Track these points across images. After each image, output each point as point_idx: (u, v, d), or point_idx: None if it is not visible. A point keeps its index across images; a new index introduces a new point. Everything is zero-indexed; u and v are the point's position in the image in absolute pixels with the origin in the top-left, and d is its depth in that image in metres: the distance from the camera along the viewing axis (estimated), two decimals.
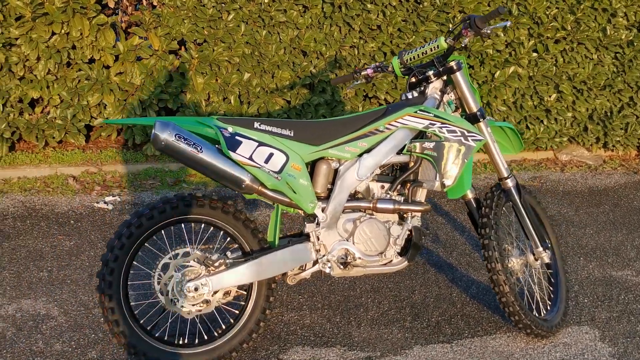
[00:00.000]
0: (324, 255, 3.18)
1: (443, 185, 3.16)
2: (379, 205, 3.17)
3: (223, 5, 5.64)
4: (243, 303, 3.19)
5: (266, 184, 3.00)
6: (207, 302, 3.05)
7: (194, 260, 3.04)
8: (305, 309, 3.69)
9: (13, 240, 4.32)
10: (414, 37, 6.08)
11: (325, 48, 5.91)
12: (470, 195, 3.47)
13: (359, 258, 3.17)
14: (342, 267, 3.18)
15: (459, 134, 3.16)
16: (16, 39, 5.27)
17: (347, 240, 3.18)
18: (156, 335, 3.07)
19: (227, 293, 3.12)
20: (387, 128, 3.17)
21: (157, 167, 5.71)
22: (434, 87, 3.30)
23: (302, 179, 3.06)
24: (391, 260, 3.26)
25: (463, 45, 3.23)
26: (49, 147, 5.69)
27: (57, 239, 4.39)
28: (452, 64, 3.26)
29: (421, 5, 6.05)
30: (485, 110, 3.60)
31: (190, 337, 3.20)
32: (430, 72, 3.29)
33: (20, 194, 5.08)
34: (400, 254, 3.28)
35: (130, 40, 5.50)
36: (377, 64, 3.50)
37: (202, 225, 3.27)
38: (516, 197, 3.46)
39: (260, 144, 3.01)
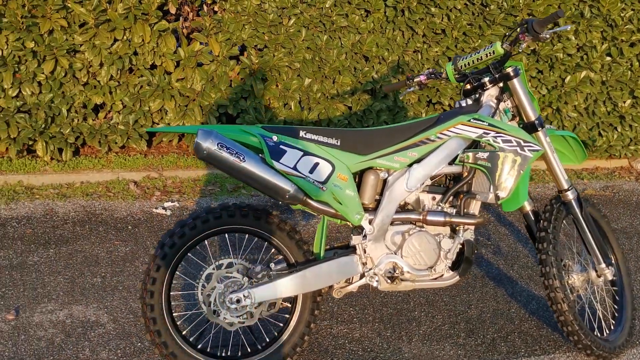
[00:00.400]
0: (370, 269, 3.07)
1: (497, 197, 3.02)
2: (429, 218, 3.05)
3: (284, 10, 5.60)
4: (288, 316, 3.11)
5: (310, 194, 2.92)
6: (250, 314, 2.99)
7: (237, 272, 2.99)
8: (355, 322, 3.59)
9: (71, 244, 4.37)
10: (479, 41, 5.91)
11: (387, 53, 5.81)
12: (528, 207, 3.31)
13: (408, 272, 3.06)
14: (389, 281, 3.07)
15: (515, 144, 3.01)
16: (80, 45, 5.35)
17: (395, 254, 3.07)
18: (199, 346, 3.02)
19: (272, 305, 3.06)
20: (438, 137, 3.04)
21: (217, 172, 5.71)
22: (490, 94, 3.16)
23: (349, 189, 2.96)
24: (442, 275, 3.13)
25: (520, 50, 3.09)
26: (112, 152, 5.77)
27: (113, 244, 4.42)
28: (509, 70, 3.12)
29: (487, 9, 5.87)
30: (546, 118, 3.43)
31: (233, 350, 3.15)
32: (486, 79, 3.14)
33: (82, 198, 5.14)
34: (452, 268, 3.15)
35: (191, 46, 5.51)
36: (430, 70, 3.38)
37: (247, 235, 3.21)
38: (577, 211, 3.28)
39: (306, 153, 2.93)
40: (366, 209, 3.05)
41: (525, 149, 3.01)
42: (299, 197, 2.91)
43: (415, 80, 3.40)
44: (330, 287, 3.10)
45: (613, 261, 3.47)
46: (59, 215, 4.80)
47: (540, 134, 3.18)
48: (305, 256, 3.04)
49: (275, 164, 2.88)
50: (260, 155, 2.90)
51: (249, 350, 3.09)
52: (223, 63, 5.57)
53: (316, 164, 2.93)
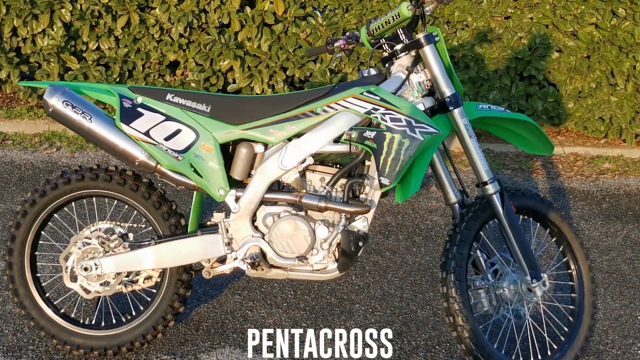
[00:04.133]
0: (233, 251, 2.76)
1: (381, 184, 2.58)
2: (304, 200, 2.67)
3: None
4: (155, 291, 2.89)
5: (162, 163, 2.67)
6: (107, 283, 2.81)
7: (95, 239, 2.80)
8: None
9: None
10: (582, 7, 5.13)
11: (471, 18, 5.23)
12: (453, 199, 2.79)
13: (271, 259, 2.73)
14: (250, 267, 2.74)
15: (404, 123, 2.54)
16: (151, 1, 5.38)
17: (263, 237, 2.74)
18: (61, 310, 2.89)
19: (148, 278, 2.87)
20: (324, 110, 2.64)
21: None
22: (400, 64, 2.69)
23: (212, 161, 2.67)
24: (326, 267, 2.75)
25: (428, 13, 2.61)
26: None
27: None
28: (420, 36, 2.62)
29: None
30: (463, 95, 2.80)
31: (98, 318, 3.00)
32: (398, 46, 2.68)
33: None
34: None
35: (259, 6, 5.33)
36: (349, 33, 2.92)
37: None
38: (498, 208, 2.70)
39: (168, 118, 2.67)
40: (238, 185, 2.74)
41: (417, 130, 2.53)
42: (150, 165, 2.68)
43: (335, 44, 2.97)
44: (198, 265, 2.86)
45: (574, 272, 2.90)
46: None
47: (456, 113, 2.66)
48: (170, 229, 2.81)
49: (124, 127, 2.65)
50: (114, 117, 2.70)
51: (113, 321, 2.94)
52: (292, 24, 5.34)
53: (177, 131, 2.67)
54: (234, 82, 5.53)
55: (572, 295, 2.92)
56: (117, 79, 5.49)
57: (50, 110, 2.65)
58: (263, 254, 2.74)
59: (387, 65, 2.76)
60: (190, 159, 2.67)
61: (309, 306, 3.30)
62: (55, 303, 2.91)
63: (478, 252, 2.81)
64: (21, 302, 2.81)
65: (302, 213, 2.72)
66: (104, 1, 5.36)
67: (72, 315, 2.98)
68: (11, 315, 3.11)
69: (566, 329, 2.90)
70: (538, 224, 2.93)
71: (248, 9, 5.34)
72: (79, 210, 3.40)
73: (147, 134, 2.65)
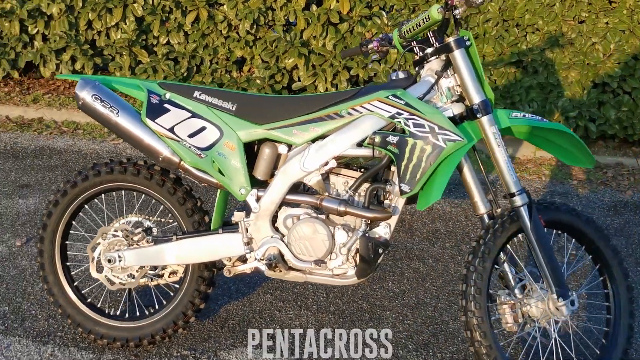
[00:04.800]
0: (253, 251, 2.75)
1: (401, 191, 2.52)
2: (324, 204, 2.62)
3: None
4: (178, 286, 2.92)
5: (184, 160, 2.69)
6: (132, 276, 2.86)
7: (121, 231, 2.85)
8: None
9: None
10: None
11: (542, 22, 5.04)
12: (482, 209, 2.67)
13: (289, 261, 2.69)
14: (267, 268, 2.72)
15: (427, 129, 2.47)
16: None
17: (283, 239, 2.70)
18: (88, 300, 2.95)
19: (173, 273, 2.89)
20: (349, 113, 2.60)
21: None
22: (430, 68, 2.62)
23: (235, 160, 2.66)
24: (346, 272, 2.70)
25: (457, 16, 2.51)
26: None
27: None
28: (450, 40, 2.53)
29: None
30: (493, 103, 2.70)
31: (124, 309, 3.05)
32: (429, 50, 2.61)
33: None
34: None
35: (325, 4, 5.31)
36: (383, 35, 2.85)
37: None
38: (525, 220, 2.56)
39: (194, 115, 2.68)
40: (260, 185, 2.72)
41: (440, 137, 2.46)
42: (173, 161, 2.71)
43: (369, 46, 2.89)
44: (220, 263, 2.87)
45: (610, 292, 2.73)
46: None
47: (483, 121, 2.55)
48: (193, 226, 2.82)
49: (149, 122, 2.68)
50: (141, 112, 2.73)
51: (137, 313, 2.99)
52: (357, 23, 5.29)
53: (202, 128, 2.68)
54: (299, 80, 5.53)
55: (608, 316, 2.77)
56: (185, 74, 5.59)
57: (80, 103, 2.71)
58: (281, 256, 2.71)
59: (417, 68, 2.69)
60: (213, 156, 2.67)
61: (339, 310, 3.25)
62: (83, 292, 2.97)
63: (506, 266, 2.69)
64: (50, 289, 2.89)
65: (323, 216, 2.68)
66: None
67: (99, 305, 3.03)
68: (47, 301, 3.19)
69: (598, 352, 2.75)
70: (574, 240, 2.79)
71: (314, 7, 5.33)
72: (112, 203, 3.47)
73: (171, 130, 2.67)
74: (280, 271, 2.73)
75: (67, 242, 2.92)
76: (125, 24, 5.57)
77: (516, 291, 2.66)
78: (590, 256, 2.79)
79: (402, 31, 2.67)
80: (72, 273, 2.95)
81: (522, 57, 5.09)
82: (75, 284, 2.94)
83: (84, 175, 2.82)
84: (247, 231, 2.72)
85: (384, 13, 5.22)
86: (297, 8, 5.34)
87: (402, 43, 2.73)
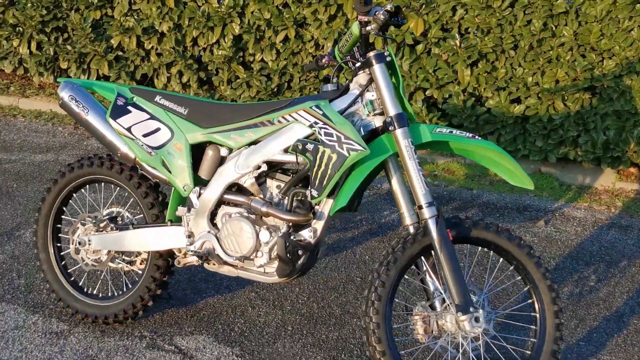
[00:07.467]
0: (192, 243, 2.99)
1: (311, 196, 2.68)
2: (252, 204, 2.86)
3: None
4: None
5: (138, 157, 3.02)
6: (99, 260, 3.21)
7: (92, 219, 3.22)
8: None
9: None
10: None
11: (619, 47, 4.81)
12: (408, 221, 2.72)
13: (217, 255, 2.92)
14: (200, 260, 2.98)
15: (335, 139, 2.62)
16: (304, 18, 5.74)
17: (217, 235, 2.94)
18: (72, 278, 3.34)
19: (143, 260, 3.20)
20: (278, 121, 2.82)
21: (426, 157, 5.56)
22: (357, 81, 2.78)
23: (181, 159, 2.97)
24: (272, 271, 2.89)
25: (373, 32, 2.65)
26: None
27: None
28: (370, 55, 2.69)
29: None
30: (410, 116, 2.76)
31: (99, 289, 3.48)
32: (357, 64, 2.77)
33: None
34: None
35: (404, 26, 5.40)
36: (330, 50, 3.02)
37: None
38: (433, 234, 2.59)
39: (152, 117, 3.03)
40: (203, 184, 2.98)
41: (344, 146, 2.60)
42: (129, 157, 3.06)
43: (322, 60, 3.05)
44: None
45: (537, 315, 2.69)
46: None
47: (396, 134, 2.65)
48: (151, 218, 3.13)
49: (112, 122, 3.04)
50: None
51: (109, 294, 3.33)
52: (431, 44, 5.34)
53: (157, 129, 3.01)
54: None
55: (532, 340, 2.69)
56: (276, 89, 5.92)
57: (60, 102, 3.16)
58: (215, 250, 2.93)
59: (347, 81, 2.83)
60: (163, 155, 2.96)
61: (310, 313, 3.39)
62: (69, 271, 3.37)
63: (428, 277, 2.72)
64: (41, 265, 3.30)
65: (254, 217, 2.86)
66: (266, 17, 5.81)
67: (80, 284, 3.41)
68: None
69: None
70: (501, 259, 2.75)
71: (392, 27, 5.44)
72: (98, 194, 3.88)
73: (129, 129, 3.01)
74: (214, 265, 2.96)
75: (59, 225, 3.32)
76: (225, 41, 6.01)
77: (436, 303, 2.69)
78: (520, 276, 2.74)
79: (339, 46, 2.82)
80: (62, 253, 3.34)
81: (596, 83, 4.88)
82: (63, 262, 3.32)
83: (70, 167, 3.21)
84: (188, 225, 2.97)
85: (457, 36, 5.23)
86: None
87: (341, 57, 2.86)
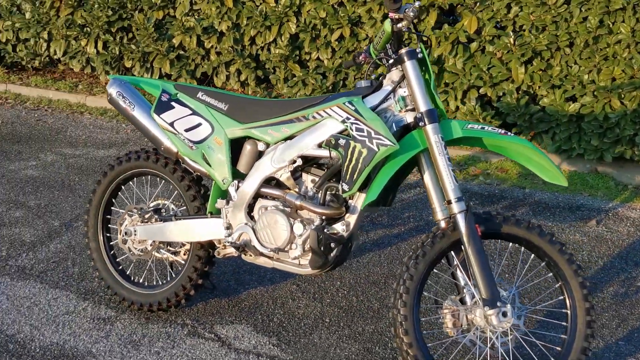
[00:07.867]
0: (230, 235, 3.07)
1: (343, 190, 2.72)
2: (287, 198, 2.92)
3: None
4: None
5: (180, 151, 3.12)
6: (145, 251, 3.34)
7: (139, 210, 3.34)
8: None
9: None
10: None
11: None
12: (439, 216, 2.73)
13: (254, 246, 3.00)
14: (237, 251, 3.06)
15: (365, 134, 2.66)
16: (359, 17, 5.78)
17: (253, 227, 3.01)
18: (120, 267, 3.46)
19: (187, 251, 3.29)
20: (313, 117, 2.87)
21: (480, 155, 5.53)
22: (389, 78, 2.82)
23: (220, 153, 3.05)
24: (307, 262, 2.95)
25: (406, 29, 2.67)
26: None
27: None
28: (402, 52, 2.72)
29: None
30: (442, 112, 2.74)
31: (145, 278, 3.60)
32: (391, 61, 2.81)
33: None
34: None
35: (459, 24, 5.40)
36: (366, 47, 3.05)
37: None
38: (461, 228, 2.61)
39: (194, 112, 3.12)
40: (243, 177, 3.06)
41: (374, 141, 2.63)
42: (172, 151, 3.17)
43: (360, 57, 3.07)
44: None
45: (568, 307, 2.67)
46: None
47: (427, 129, 2.67)
48: (193, 210, 3.22)
49: (156, 117, 3.15)
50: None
51: (154, 282, 3.46)
52: (487, 42, 5.30)
53: (198, 124, 3.10)
54: None
55: (563, 336, 2.67)
56: (330, 88, 5.99)
57: (108, 97, 3.27)
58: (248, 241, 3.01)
59: (380, 78, 2.86)
60: (203, 149, 3.05)
61: (349, 305, 3.44)
62: (117, 260, 3.50)
63: (458, 272, 2.73)
64: (91, 254, 3.45)
65: (289, 210, 2.92)
66: (322, 15, 5.88)
67: (128, 272, 3.55)
68: None
69: None
70: (532, 255, 2.74)
71: (446, 26, 5.43)
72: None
73: (171, 124, 3.11)
74: (251, 256, 3.03)
75: (108, 216, 3.45)
76: (282, 40, 6.11)
77: (466, 298, 2.70)
78: (551, 273, 2.72)
79: (374, 44, 2.87)
80: (111, 243, 3.48)
81: None
82: (112, 252, 3.46)
83: (119, 160, 3.34)
84: (226, 217, 3.06)
85: (511, 34, 5.18)
86: (427, 26, 5.49)
87: (375, 54, 2.91)
